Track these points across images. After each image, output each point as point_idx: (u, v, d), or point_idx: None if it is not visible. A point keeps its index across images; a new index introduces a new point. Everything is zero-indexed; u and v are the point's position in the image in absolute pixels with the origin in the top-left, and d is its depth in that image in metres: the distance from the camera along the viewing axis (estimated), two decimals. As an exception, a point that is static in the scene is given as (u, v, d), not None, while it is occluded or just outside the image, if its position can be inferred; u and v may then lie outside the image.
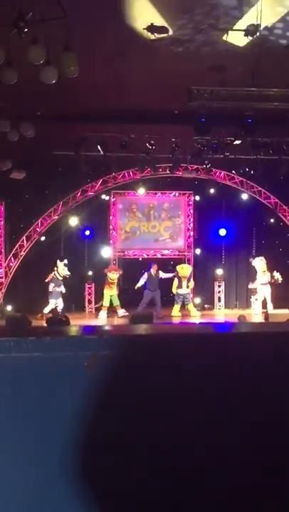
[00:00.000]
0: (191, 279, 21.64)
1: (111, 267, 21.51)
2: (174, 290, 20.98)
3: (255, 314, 20.72)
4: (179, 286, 21.01)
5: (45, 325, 12.77)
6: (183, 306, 21.13)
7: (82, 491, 1.91)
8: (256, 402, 2.00)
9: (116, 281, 20.88)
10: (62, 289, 20.74)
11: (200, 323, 11.34)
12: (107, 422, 1.95)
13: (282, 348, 2.04)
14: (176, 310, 20.92)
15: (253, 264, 21.87)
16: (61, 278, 20.66)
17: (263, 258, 21.58)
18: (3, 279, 21.83)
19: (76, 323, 18.47)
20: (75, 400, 1.91)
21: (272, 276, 21.33)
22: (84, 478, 1.92)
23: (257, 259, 21.72)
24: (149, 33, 11.56)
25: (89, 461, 1.94)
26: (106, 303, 20.83)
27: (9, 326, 13.47)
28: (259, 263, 21.56)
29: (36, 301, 20.89)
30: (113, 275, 20.82)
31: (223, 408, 1.98)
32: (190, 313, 21.06)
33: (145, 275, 20.57)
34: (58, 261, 20.83)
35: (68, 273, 20.72)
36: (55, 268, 20.70)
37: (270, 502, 2.01)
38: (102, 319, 20.44)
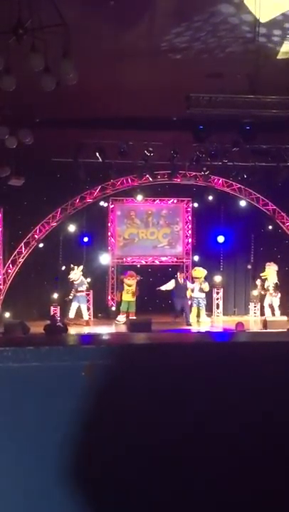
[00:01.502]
0: (206, 282, 21.53)
1: (129, 273, 21.47)
2: (189, 294, 20.99)
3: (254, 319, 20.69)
4: (192, 289, 21.04)
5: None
6: (198, 311, 21.18)
7: (80, 500, 1.90)
8: (255, 410, 1.99)
9: (133, 287, 20.85)
10: (82, 292, 20.87)
11: (198, 332, 11.34)
12: (105, 430, 1.94)
13: (280, 357, 2.04)
14: (192, 315, 20.90)
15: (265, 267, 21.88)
16: (76, 282, 20.72)
17: (270, 264, 21.54)
18: (1, 286, 21.81)
19: (74, 330, 18.52)
20: (73, 409, 1.90)
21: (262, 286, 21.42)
22: (82, 488, 1.91)
23: (268, 263, 21.73)
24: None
25: (87, 469, 1.93)
26: (124, 308, 20.87)
27: (8, 332, 13.50)
28: (266, 268, 21.58)
29: (34, 308, 20.91)
30: (129, 281, 20.81)
31: (221, 417, 1.98)
32: (199, 318, 21.03)
33: (172, 282, 20.57)
34: (71, 265, 20.92)
35: (73, 277, 20.75)
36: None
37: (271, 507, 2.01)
38: (119, 324, 20.47)
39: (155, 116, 15.47)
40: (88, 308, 22.51)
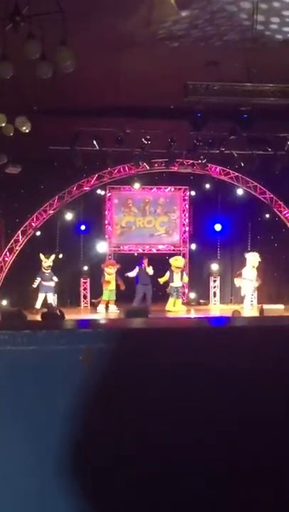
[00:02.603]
0: (184, 273, 21.64)
1: (108, 261, 21.53)
2: (161, 281, 20.84)
3: (250, 309, 20.64)
4: (171, 279, 20.96)
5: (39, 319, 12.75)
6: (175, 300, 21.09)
7: (77, 484, 1.91)
8: (252, 394, 2.00)
9: (113, 275, 20.86)
10: (52, 283, 20.82)
11: (196, 317, 11.32)
12: (102, 415, 1.95)
13: (276, 341, 2.05)
14: (170, 304, 20.85)
15: (245, 256, 21.76)
16: (47, 272, 20.71)
17: (256, 253, 21.46)
18: (-2, 274, 21.82)
19: (71, 318, 18.48)
20: (70, 393, 1.91)
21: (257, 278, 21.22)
22: (79, 472, 1.92)
23: (251, 253, 21.59)
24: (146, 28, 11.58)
25: (84, 454, 1.94)
26: (105, 297, 20.84)
27: (5, 320, 13.47)
28: (252, 258, 21.42)
29: (32, 296, 20.89)
30: (110, 270, 20.82)
31: (219, 400, 1.99)
32: (175, 307, 20.95)
33: (136, 269, 20.54)
34: (41, 254, 20.89)
35: (49, 264, 20.76)
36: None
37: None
38: (100, 313, 20.45)
39: (152, 104, 15.43)
40: (85, 296, 22.57)
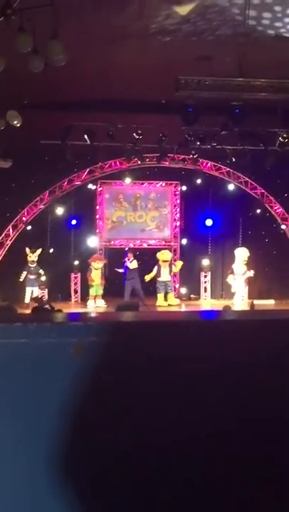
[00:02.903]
0: (173, 263, 21.63)
1: (95, 256, 21.51)
2: (147, 278, 20.79)
3: (241, 304, 20.65)
4: (159, 274, 20.92)
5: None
6: (166, 295, 21.07)
7: (72, 480, 1.91)
8: (244, 388, 2.00)
9: (100, 270, 20.89)
10: (37, 277, 20.84)
11: (187, 311, 11.34)
12: (95, 408, 1.95)
13: (267, 335, 2.05)
14: (160, 299, 20.83)
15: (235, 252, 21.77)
16: (32, 266, 20.73)
17: (245, 249, 21.47)
18: (-11, 269, 21.78)
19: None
20: (61, 386, 1.91)
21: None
22: (73, 468, 1.92)
23: (240, 249, 21.61)
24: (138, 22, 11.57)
25: (78, 449, 1.94)
26: (92, 292, 20.86)
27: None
28: (241, 253, 21.42)
29: (22, 291, 20.88)
30: (97, 264, 20.84)
31: (211, 393, 1.99)
32: (168, 301, 20.96)
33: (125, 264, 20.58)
34: (27, 248, 20.90)
35: (34, 259, 20.78)
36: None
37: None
38: (90, 308, 20.44)
39: (144, 98, 15.42)
40: (76, 291, 22.56)
